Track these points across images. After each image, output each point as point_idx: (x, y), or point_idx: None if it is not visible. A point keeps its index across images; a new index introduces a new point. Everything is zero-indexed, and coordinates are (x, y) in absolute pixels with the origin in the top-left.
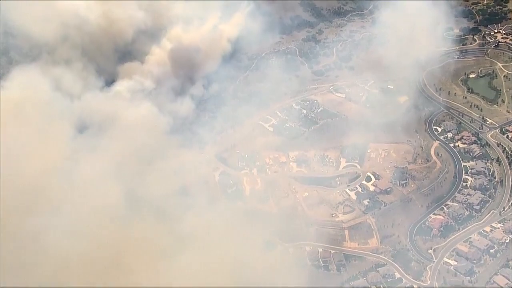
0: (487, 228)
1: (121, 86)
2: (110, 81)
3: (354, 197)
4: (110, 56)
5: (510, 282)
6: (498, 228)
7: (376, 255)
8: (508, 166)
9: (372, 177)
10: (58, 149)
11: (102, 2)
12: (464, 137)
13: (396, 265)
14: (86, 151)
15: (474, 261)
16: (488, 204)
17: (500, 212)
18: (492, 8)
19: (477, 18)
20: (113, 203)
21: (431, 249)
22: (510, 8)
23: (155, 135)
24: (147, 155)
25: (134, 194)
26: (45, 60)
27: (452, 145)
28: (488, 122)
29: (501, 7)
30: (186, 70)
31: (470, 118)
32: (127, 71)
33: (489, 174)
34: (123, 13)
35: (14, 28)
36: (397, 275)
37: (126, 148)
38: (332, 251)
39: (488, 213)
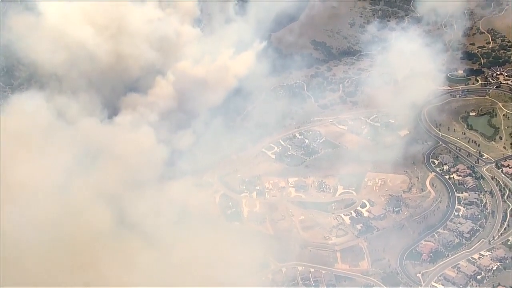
0: (476, 256)
1: (123, 117)
2: (114, 113)
3: (348, 221)
4: (116, 88)
5: None
6: (486, 255)
7: (366, 277)
8: (500, 198)
9: (367, 203)
10: (53, 174)
11: (112, 38)
12: (460, 170)
13: (384, 287)
14: (81, 177)
15: (461, 286)
16: (478, 233)
17: (489, 241)
18: (496, 51)
19: (482, 60)
20: (104, 227)
21: (419, 273)
22: None
23: (155, 163)
24: (143, 183)
25: (126, 219)
26: (51, 88)
27: (447, 177)
28: (484, 157)
29: (505, 51)
30: (190, 103)
31: (467, 153)
32: (130, 103)
33: (481, 205)
34: (133, 50)
35: (22, 56)
36: None
37: (121, 176)
38: (324, 272)
39: (478, 242)
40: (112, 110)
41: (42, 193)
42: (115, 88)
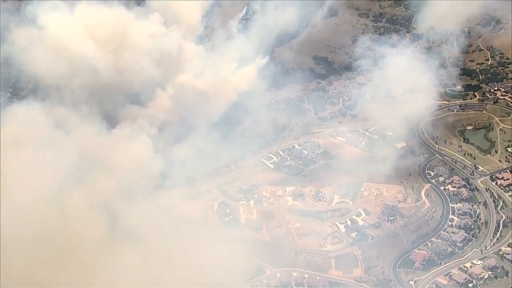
0: (468, 264)
1: (122, 129)
2: (113, 125)
3: (343, 229)
4: (116, 100)
5: None
6: (478, 264)
7: (359, 283)
8: (494, 209)
9: (363, 212)
10: (50, 182)
11: (113, 53)
12: (455, 181)
13: None
14: (75, 186)
15: None
16: (471, 243)
17: (481, 250)
18: (495, 68)
19: (480, 77)
20: (96, 230)
21: (412, 280)
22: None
23: (152, 173)
24: (139, 191)
25: (119, 225)
26: (52, 99)
27: (442, 188)
28: (479, 170)
29: (503, 67)
30: (191, 115)
31: (463, 165)
32: (130, 115)
33: (475, 215)
34: (134, 65)
35: (25, 69)
36: None
37: (116, 184)
38: (318, 278)
39: (470, 251)
40: (111, 122)
41: (37, 198)
42: (115, 100)
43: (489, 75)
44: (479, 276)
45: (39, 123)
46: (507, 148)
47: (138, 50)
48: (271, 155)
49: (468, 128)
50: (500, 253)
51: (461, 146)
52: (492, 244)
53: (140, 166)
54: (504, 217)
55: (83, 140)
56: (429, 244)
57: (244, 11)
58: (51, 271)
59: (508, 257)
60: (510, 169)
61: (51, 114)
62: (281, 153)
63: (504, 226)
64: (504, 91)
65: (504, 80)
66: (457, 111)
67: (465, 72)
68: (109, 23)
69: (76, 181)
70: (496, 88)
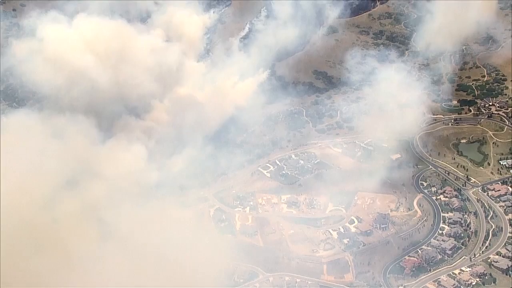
0: (456, 271)
1: (117, 140)
2: (109, 135)
3: (336, 236)
4: (114, 112)
5: None
6: (467, 271)
7: None
8: (484, 219)
9: (355, 220)
10: (43, 189)
11: (113, 67)
12: (447, 192)
13: None
14: (68, 194)
15: None
16: (460, 251)
17: (470, 258)
18: (490, 84)
19: (476, 92)
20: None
21: (401, 286)
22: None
23: (146, 181)
24: (132, 199)
25: (109, 228)
26: (50, 109)
27: (434, 198)
28: (471, 181)
29: (498, 84)
30: (190, 125)
31: (456, 177)
32: (126, 126)
33: (465, 224)
34: (133, 80)
35: (24, 79)
36: None
37: (110, 192)
38: (309, 282)
39: (460, 258)
40: (108, 133)
41: (30, 203)
42: (113, 111)
43: (484, 91)
44: (467, 283)
45: (36, 132)
46: (500, 161)
47: (137, 65)
48: (268, 164)
49: (462, 141)
50: (489, 260)
51: (454, 159)
52: (481, 252)
53: (134, 174)
54: (494, 227)
55: (77, 148)
56: (419, 251)
57: (246, 29)
58: (40, 273)
59: (497, 264)
60: (502, 181)
61: (49, 123)
62: (278, 162)
63: (493, 235)
64: (498, 106)
65: (499, 95)
66: (452, 124)
67: (461, 88)
68: (110, 37)
69: (68, 189)
70: (490, 103)
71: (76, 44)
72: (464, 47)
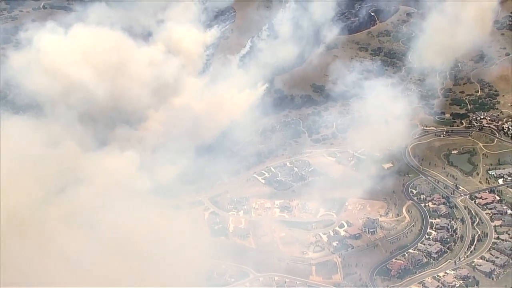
0: (441, 274)
1: (112, 149)
2: (104, 144)
3: (325, 239)
4: (109, 122)
5: None
6: (451, 274)
7: None
8: (470, 225)
9: (345, 224)
10: (33, 195)
11: (110, 80)
12: (435, 199)
13: None
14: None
15: None
16: (446, 254)
17: (455, 262)
18: (483, 99)
19: (468, 106)
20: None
21: (387, 287)
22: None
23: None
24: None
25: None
26: (46, 117)
27: (423, 204)
28: (460, 189)
29: (491, 98)
30: (184, 136)
31: (445, 185)
32: (120, 135)
33: (451, 230)
34: (130, 93)
35: (21, 89)
36: None
37: (102, 198)
38: (298, 282)
39: (445, 262)
40: (102, 142)
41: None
42: (108, 121)
43: (477, 105)
44: (450, 285)
45: (30, 139)
46: (488, 171)
47: (135, 78)
48: (263, 171)
49: (453, 152)
50: (473, 264)
51: (445, 168)
52: (466, 256)
53: (126, 180)
54: (479, 232)
55: (69, 155)
56: (406, 254)
57: (247, 47)
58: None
59: (480, 268)
60: (489, 190)
61: (44, 130)
62: (273, 169)
63: (478, 240)
64: (489, 120)
65: (491, 109)
66: (443, 136)
67: (455, 102)
68: (108, 49)
69: (58, 194)
70: (482, 117)
71: (74, 57)
72: (460, 64)
